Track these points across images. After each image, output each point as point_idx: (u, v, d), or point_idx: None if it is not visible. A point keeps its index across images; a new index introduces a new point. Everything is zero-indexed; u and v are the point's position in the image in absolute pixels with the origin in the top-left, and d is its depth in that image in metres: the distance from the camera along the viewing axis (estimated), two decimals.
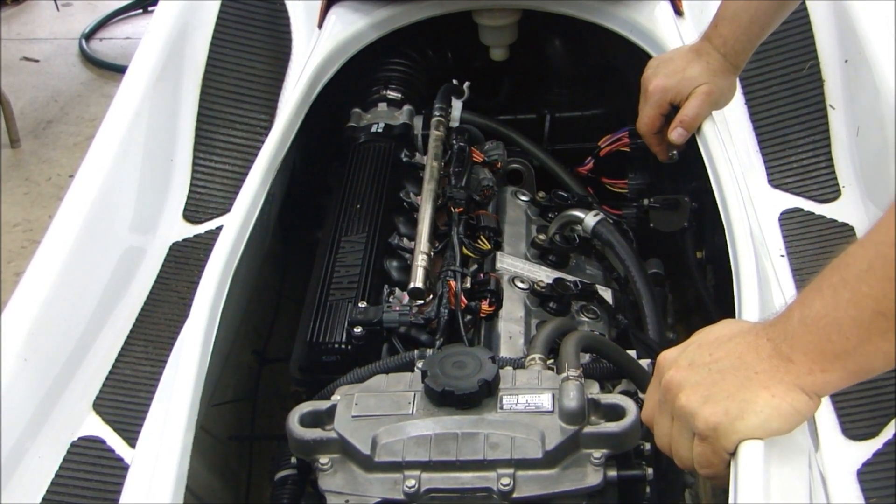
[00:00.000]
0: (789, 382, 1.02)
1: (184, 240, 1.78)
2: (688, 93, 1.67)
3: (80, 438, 1.41)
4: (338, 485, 1.20)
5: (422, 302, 1.52)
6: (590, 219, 1.79)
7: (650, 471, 1.25)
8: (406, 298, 1.53)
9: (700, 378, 1.06)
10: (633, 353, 1.46)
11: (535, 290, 1.62)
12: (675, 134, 1.69)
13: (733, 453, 1.05)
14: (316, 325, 1.51)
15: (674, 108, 1.71)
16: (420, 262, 1.57)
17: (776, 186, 1.81)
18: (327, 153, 2.04)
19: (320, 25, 2.03)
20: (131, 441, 1.39)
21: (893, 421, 1.37)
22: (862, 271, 0.97)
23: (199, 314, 1.42)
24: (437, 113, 1.93)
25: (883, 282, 0.95)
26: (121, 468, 1.36)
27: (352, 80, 2.02)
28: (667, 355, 1.13)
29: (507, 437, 1.19)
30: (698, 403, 1.05)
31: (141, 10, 4.95)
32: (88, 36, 4.83)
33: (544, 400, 1.22)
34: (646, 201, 1.91)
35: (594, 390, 1.27)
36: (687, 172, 1.86)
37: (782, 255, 1.66)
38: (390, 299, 1.54)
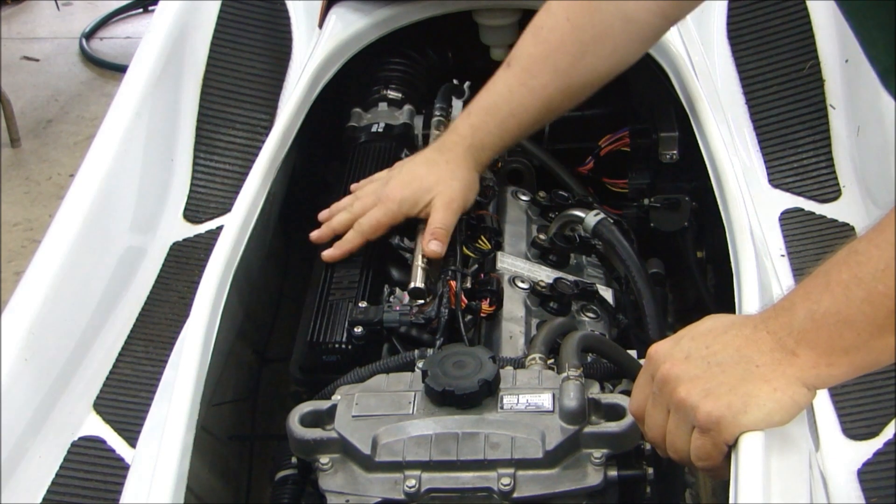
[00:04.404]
0: (791, 376, 1.02)
1: (184, 239, 1.77)
2: (425, 203, 1.58)
3: (80, 438, 1.41)
4: (338, 485, 1.20)
5: (422, 302, 1.52)
6: (590, 218, 1.79)
7: (651, 471, 1.25)
8: (406, 298, 1.53)
9: (699, 371, 1.06)
10: (633, 352, 1.46)
11: (536, 290, 1.61)
12: (434, 245, 1.55)
13: (732, 445, 1.06)
14: (316, 325, 1.51)
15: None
16: (420, 261, 1.57)
17: (776, 186, 1.81)
18: (327, 153, 2.03)
19: (321, 25, 2.03)
20: (132, 441, 1.39)
21: (894, 421, 1.37)
22: (879, 271, 0.97)
23: (200, 314, 1.42)
24: (437, 113, 1.93)
25: None
26: (121, 468, 1.35)
27: (352, 80, 2.01)
28: (659, 348, 1.12)
29: (507, 437, 1.19)
30: (699, 397, 1.05)
31: (141, 10, 4.94)
32: (89, 35, 4.83)
33: (545, 400, 1.22)
34: (646, 201, 1.91)
35: (594, 390, 1.27)
36: (687, 172, 1.86)
37: (783, 255, 1.66)
38: (391, 299, 1.54)
